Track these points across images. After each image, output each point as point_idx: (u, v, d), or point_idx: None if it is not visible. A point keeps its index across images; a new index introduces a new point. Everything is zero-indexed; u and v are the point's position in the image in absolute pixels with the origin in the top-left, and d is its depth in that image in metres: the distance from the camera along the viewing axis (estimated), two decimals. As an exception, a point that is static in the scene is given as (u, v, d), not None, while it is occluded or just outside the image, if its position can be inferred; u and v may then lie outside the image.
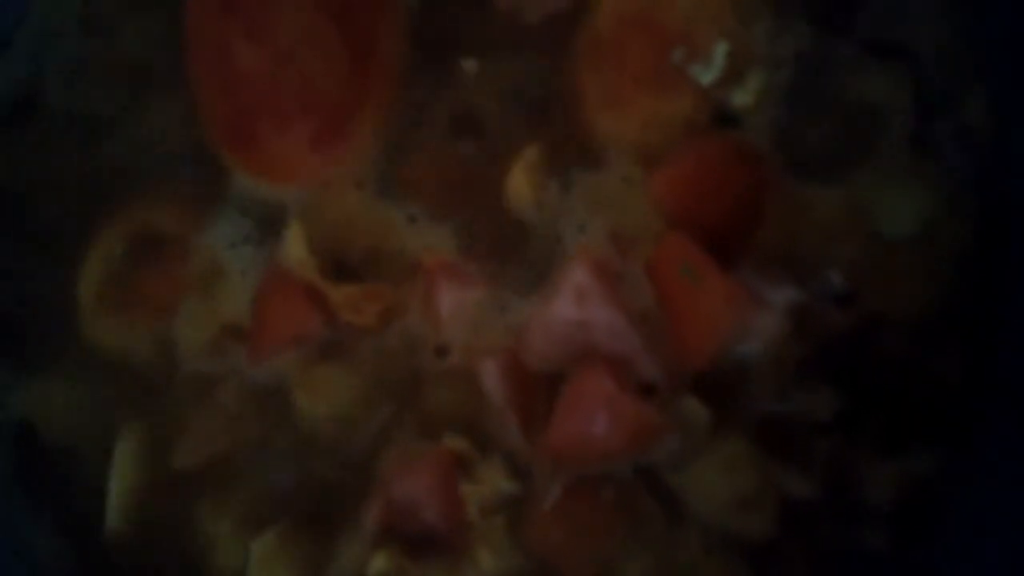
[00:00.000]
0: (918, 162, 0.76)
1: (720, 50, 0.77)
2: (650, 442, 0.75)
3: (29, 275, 0.88)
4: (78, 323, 0.86)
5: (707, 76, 0.78)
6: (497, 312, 0.80)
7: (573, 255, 0.78)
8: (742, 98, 0.78)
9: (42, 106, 0.89)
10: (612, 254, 0.78)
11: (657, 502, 0.75)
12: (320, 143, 0.83)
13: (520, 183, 0.80)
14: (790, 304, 0.74)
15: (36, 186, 0.89)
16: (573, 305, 0.76)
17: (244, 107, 0.84)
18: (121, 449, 0.84)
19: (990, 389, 0.75)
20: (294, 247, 0.82)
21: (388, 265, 0.82)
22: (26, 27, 0.90)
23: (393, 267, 0.82)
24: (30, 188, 0.88)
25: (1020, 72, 0.78)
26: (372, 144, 0.84)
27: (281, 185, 0.85)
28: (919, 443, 0.74)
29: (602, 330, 0.75)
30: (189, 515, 0.83)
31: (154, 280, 0.85)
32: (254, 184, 0.85)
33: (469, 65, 0.83)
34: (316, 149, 0.83)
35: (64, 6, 0.90)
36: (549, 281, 0.78)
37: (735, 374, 0.75)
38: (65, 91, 0.89)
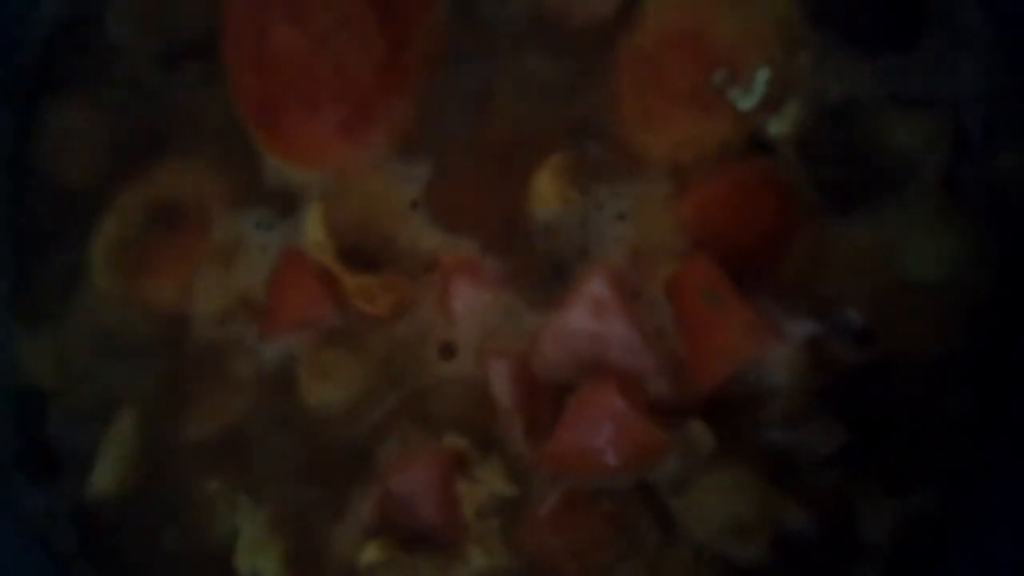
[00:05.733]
0: (947, 207, 0.76)
1: (761, 76, 0.77)
2: (651, 461, 0.75)
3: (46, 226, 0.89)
4: (89, 281, 0.87)
5: (746, 101, 0.77)
6: (510, 316, 0.79)
7: (592, 266, 0.78)
8: (778, 127, 0.77)
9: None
10: (632, 269, 0.77)
11: (652, 519, 0.75)
12: (348, 130, 0.83)
13: (545, 187, 0.80)
14: (807, 337, 0.74)
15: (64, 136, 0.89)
16: (589, 316, 0.75)
17: (275, 89, 0.84)
18: (123, 413, 0.84)
19: (1002, 432, 0.74)
20: (312, 229, 0.82)
21: (402, 256, 0.82)
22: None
23: (407, 259, 0.82)
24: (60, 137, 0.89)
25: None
26: (399, 130, 0.83)
27: (306, 167, 0.85)
28: (923, 482, 0.74)
29: (616, 344, 0.75)
30: (188, 486, 0.83)
31: (170, 249, 0.85)
32: (282, 164, 0.85)
33: (505, 61, 0.83)
34: (344, 135, 0.83)
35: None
36: (565, 290, 0.78)
37: (744, 401, 0.75)
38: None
